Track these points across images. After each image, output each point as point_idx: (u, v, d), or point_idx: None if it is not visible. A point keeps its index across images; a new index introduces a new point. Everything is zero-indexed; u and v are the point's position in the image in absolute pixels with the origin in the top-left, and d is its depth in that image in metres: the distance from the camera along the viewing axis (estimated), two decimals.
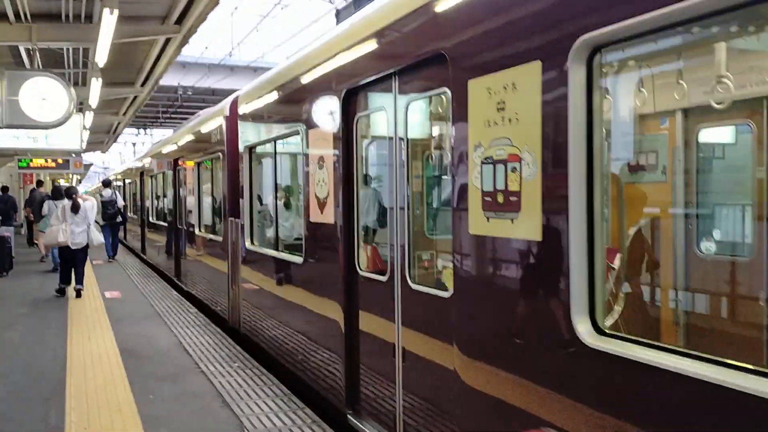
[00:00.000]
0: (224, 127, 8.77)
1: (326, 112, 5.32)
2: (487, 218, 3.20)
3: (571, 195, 2.68)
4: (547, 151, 2.81)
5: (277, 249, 6.94)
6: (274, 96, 6.66)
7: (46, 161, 25.29)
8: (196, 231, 10.93)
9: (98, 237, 11.69)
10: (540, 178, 2.85)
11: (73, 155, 26.94)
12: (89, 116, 15.21)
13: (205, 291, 10.60)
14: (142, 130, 52.21)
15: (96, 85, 11.22)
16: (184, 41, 10.56)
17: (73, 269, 11.37)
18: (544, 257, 2.87)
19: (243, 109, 7.83)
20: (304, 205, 5.82)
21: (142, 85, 15.29)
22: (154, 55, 11.94)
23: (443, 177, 4.54)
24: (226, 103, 8.88)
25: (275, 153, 6.93)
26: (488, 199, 3.19)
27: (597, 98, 2.67)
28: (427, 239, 4.81)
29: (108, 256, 17.24)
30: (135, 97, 17.01)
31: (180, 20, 10.24)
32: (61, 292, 11.42)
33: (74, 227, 10.99)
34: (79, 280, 11.32)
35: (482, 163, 3.22)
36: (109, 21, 7.95)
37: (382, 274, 4.49)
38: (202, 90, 35.72)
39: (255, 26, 29.50)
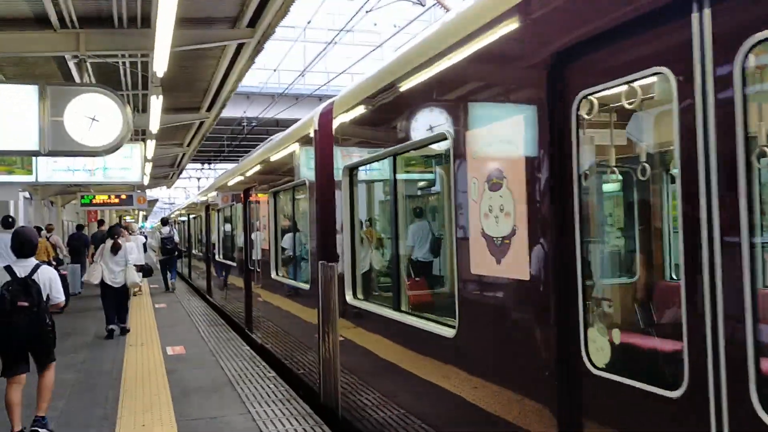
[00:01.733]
0: (312, 145, 6.86)
1: (509, 96, 3.29)
2: None
3: None
4: None
5: (399, 309, 4.88)
6: (401, 90, 4.65)
7: (109, 197, 24.26)
8: (272, 274, 9.02)
9: (133, 277, 11.63)
10: None
11: (137, 190, 25.94)
12: (151, 145, 13.68)
13: (284, 349, 8.63)
14: (206, 165, 51.86)
15: (156, 105, 9.54)
16: (259, 47, 8.83)
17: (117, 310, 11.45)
18: None
19: (343, 117, 5.90)
20: (457, 249, 3.77)
21: (209, 109, 13.73)
22: (224, 68, 10.26)
23: None
24: (314, 114, 6.97)
25: (394, 172, 4.91)
26: None
27: None
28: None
29: (166, 287, 19.14)
30: (200, 125, 15.49)
31: (253, 23, 8.50)
32: (110, 333, 11.28)
33: (114, 266, 11.25)
34: (122, 319, 11.57)
35: None
36: (167, 10, 6.18)
37: (660, 380, 2.37)
38: (266, 121, 34.54)
39: (322, 51, 28.13)
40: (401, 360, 4.66)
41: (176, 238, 20.38)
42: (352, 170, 5.78)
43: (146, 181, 22.68)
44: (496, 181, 3.34)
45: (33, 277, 5.78)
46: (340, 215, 5.96)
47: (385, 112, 4.95)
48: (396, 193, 4.94)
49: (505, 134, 3.27)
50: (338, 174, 5.97)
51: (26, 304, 5.67)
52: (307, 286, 7.24)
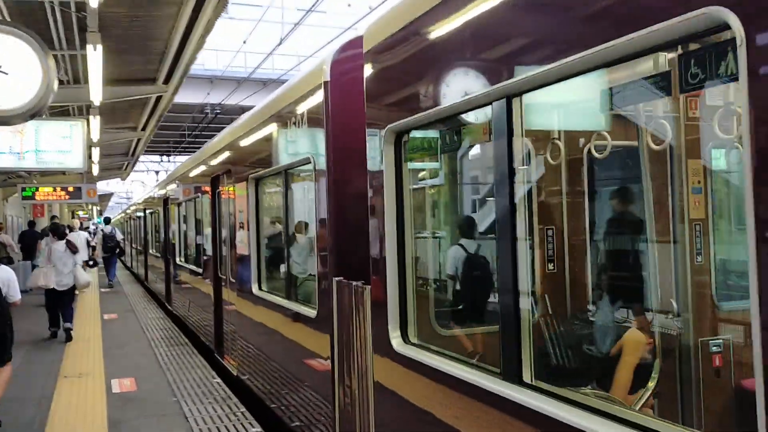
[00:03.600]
0: (321, 106, 4.65)
1: None
2: None
3: None
4: None
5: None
6: None
7: (55, 189, 21.49)
8: (254, 288, 6.76)
9: (84, 278, 11.10)
10: None
11: (86, 182, 23.19)
12: (95, 124, 11.20)
13: (272, 388, 6.39)
14: (164, 157, 48.76)
15: (96, 59, 7.10)
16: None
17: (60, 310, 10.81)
18: None
19: (388, 53, 3.68)
20: None
21: (166, 81, 11.32)
22: (186, 18, 7.93)
23: None
24: (324, 61, 4.72)
25: (509, 123, 2.70)
26: None
27: None
28: None
29: (108, 282, 20.15)
30: (157, 101, 13.04)
31: None
32: (54, 335, 10.84)
33: (62, 268, 10.56)
34: (68, 318, 10.87)
35: None
36: None
37: None
38: (229, 108, 31.90)
39: (290, 31, 25.67)
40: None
41: (118, 237, 22.11)
42: (401, 135, 3.59)
43: (95, 170, 20.08)
44: None
45: None
46: (376, 207, 3.78)
47: (497, 24, 2.76)
48: (511, 169, 2.73)
49: None
50: (374, 144, 3.78)
51: None
52: (311, 313, 5.03)
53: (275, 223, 6.75)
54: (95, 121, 10.88)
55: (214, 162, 8.90)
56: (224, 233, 8.46)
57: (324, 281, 4.70)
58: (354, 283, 4.11)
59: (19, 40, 5.56)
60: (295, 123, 5.28)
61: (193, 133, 35.85)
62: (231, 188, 7.82)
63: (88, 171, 21.23)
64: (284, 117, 5.56)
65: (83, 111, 12.67)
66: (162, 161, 50.23)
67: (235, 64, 32.70)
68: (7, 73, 5.52)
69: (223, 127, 28.80)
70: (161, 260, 16.37)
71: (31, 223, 21.63)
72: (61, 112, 11.95)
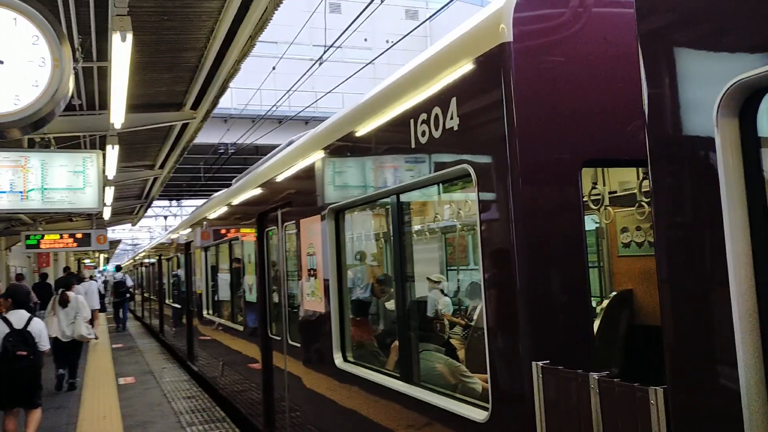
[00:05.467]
0: (495, 85, 2.92)
1: None
2: None
3: None
4: None
5: None
6: None
7: (61, 237, 19.79)
8: (337, 361, 4.94)
9: (80, 330, 10.64)
10: None
11: (96, 227, 21.53)
12: (112, 156, 9.53)
13: None
14: (173, 201, 47.15)
15: (122, 53, 5.35)
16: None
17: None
18: None
19: None
20: None
21: (195, 106, 9.70)
22: (230, 18, 6.30)
23: None
24: (501, 8, 3.00)
25: None
26: None
27: None
28: None
29: (117, 325, 21.60)
30: (181, 133, 11.42)
31: None
32: (59, 387, 10.77)
33: (63, 319, 10.54)
34: (73, 374, 10.94)
35: None
36: None
37: None
38: (244, 148, 30.45)
39: (310, 68, 24.27)
40: None
41: (129, 283, 24.54)
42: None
43: (106, 214, 18.42)
44: None
45: (28, 329, 6.60)
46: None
47: None
48: None
49: None
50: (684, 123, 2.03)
51: (25, 353, 6.49)
52: (476, 414, 3.18)
53: (371, 269, 4.98)
54: (113, 153, 9.19)
55: (263, 194, 7.17)
56: (274, 282, 6.71)
57: (505, 362, 2.91)
58: (619, 382, 2.30)
59: (22, 18, 3.91)
60: (426, 120, 3.54)
61: (207, 176, 34.28)
62: (291, 225, 6.07)
63: (99, 215, 19.60)
64: (402, 117, 3.82)
65: (96, 145, 11.03)
66: (171, 205, 48.64)
67: (249, 102, 31.22)
68: (2, 62, 3.84)
69: (241, 168, 27.01)
70: (182, 311, 14.57)
71: (44, 276, 20.87)
72: (70, 146, 10.30)
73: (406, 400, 3.82)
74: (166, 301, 18.51)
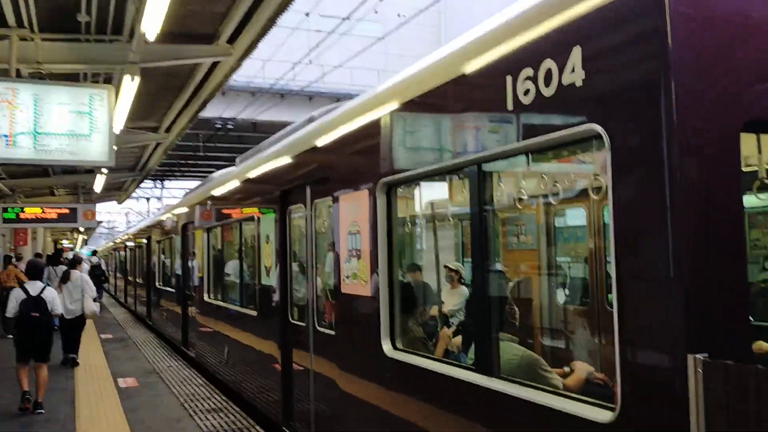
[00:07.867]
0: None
1: None
2: None
3: None
4: None
5: None
6: None
7: (43, 210, 17.46)
8: (386, 348, 3.86)
9: (91, 306, 10.92)
10: None
11: (83, 201, 19.21)
12: (129, 90, 7.34)
13: None
14: (157, 182, 44.29)
15: None
16: None
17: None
18: None
19: None
20: None
21: (231, 40, 7.59)
22: None
23: None
24: None
25: None
26: None
27: None
28: None
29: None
30: (204, 81, 9.28)
31: None
32: (65, 362, 10.98)
33: (68, 298, 10.67)
34: (74, 350, 11.09)
35: None
36: None
37: None
38: (240, 125, 28.17)
39: (322, 40, 22.04)
40: None
41: (103, 266, 28.45)
42: None
43: (98, 185, 16.17)
44: None
45: (42, 295, 7.93)
46: None
47: None
48: None
49: None
50: None
51: (37, 314, 7.79)
52: (600, 416, 2.61)
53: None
54: (131, 87, 6.98)
55: (286, 170, 6.25)
56: (298, 265, 6.19)
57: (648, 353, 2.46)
58: None
59: None
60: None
61: (198, 155, 31.78)
62: (328, 203, 5.26)
63: (89, 189, 17.26)
64: (495, 65, 3.23)
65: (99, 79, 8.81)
66: (154, 187, 45.75)
67: (249, 75, 28.80)
68: None
69: (237, 146, 24.87)
70: (173, 296, 13.26)
71: (38, 255, 19.66)
72: (70, 77, 8.09)
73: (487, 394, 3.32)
74: (158, 285, 16.39)
